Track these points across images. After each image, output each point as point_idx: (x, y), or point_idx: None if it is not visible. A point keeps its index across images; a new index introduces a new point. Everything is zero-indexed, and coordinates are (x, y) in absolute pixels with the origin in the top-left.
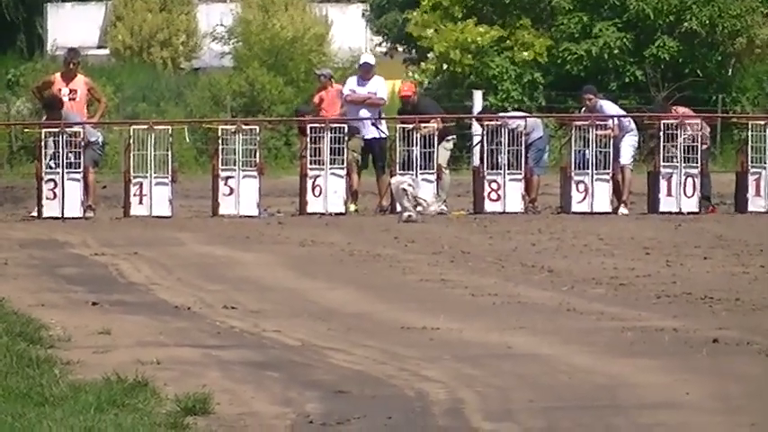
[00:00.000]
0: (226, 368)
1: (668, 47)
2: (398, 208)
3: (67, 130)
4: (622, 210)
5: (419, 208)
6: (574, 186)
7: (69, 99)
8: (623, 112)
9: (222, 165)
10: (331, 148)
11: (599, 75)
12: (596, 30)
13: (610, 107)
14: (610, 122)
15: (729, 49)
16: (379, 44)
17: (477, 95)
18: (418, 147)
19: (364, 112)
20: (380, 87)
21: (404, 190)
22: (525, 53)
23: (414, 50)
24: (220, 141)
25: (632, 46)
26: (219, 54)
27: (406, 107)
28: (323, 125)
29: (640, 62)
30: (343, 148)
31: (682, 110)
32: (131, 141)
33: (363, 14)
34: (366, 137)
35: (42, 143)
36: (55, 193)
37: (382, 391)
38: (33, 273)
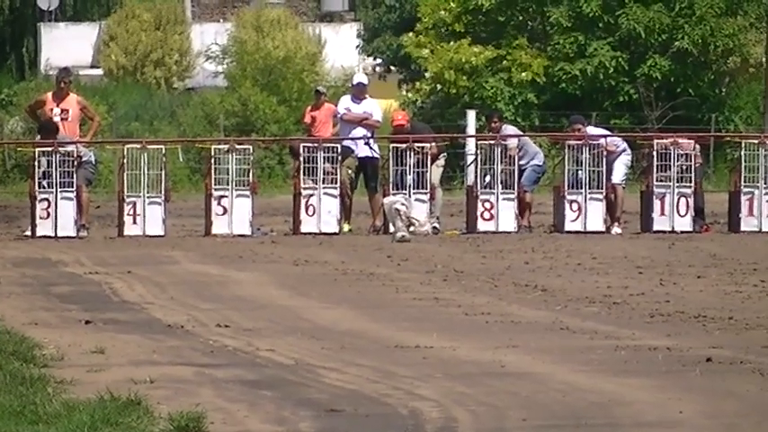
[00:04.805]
0: (219, 387)
1: (660, 66)
2: (392, 228)
3: (60, 149)
4: (615, 228)
5: (412, 228)
6: (567, 205)
7: (61, 119)
8: (608, 133)
9: (215, 184)
10: (324, 168)
11: (593, 94)
12: (591, 49)
13: (597, 132)
14: (602, 141)
15: (723, 68)
16: (374, 68)
17: (471, 115)
18: (411, 167)
19: (357, 132)
20: (375, 109)
21: (397, 210)
22: (524, 74)
23: (409, 71)
24: (213, 161)
25: (626, 65)
26: (212, 74)
27: (399, 134)
28: (316, 145)
29: (633, 81)
30: (336, 168)
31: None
32: (125, 161)
33: (359, 34)
34: (359, 155)
35: (36, 162)
36: (48, 212)
37: (376, 409)
38: (27, 291)
